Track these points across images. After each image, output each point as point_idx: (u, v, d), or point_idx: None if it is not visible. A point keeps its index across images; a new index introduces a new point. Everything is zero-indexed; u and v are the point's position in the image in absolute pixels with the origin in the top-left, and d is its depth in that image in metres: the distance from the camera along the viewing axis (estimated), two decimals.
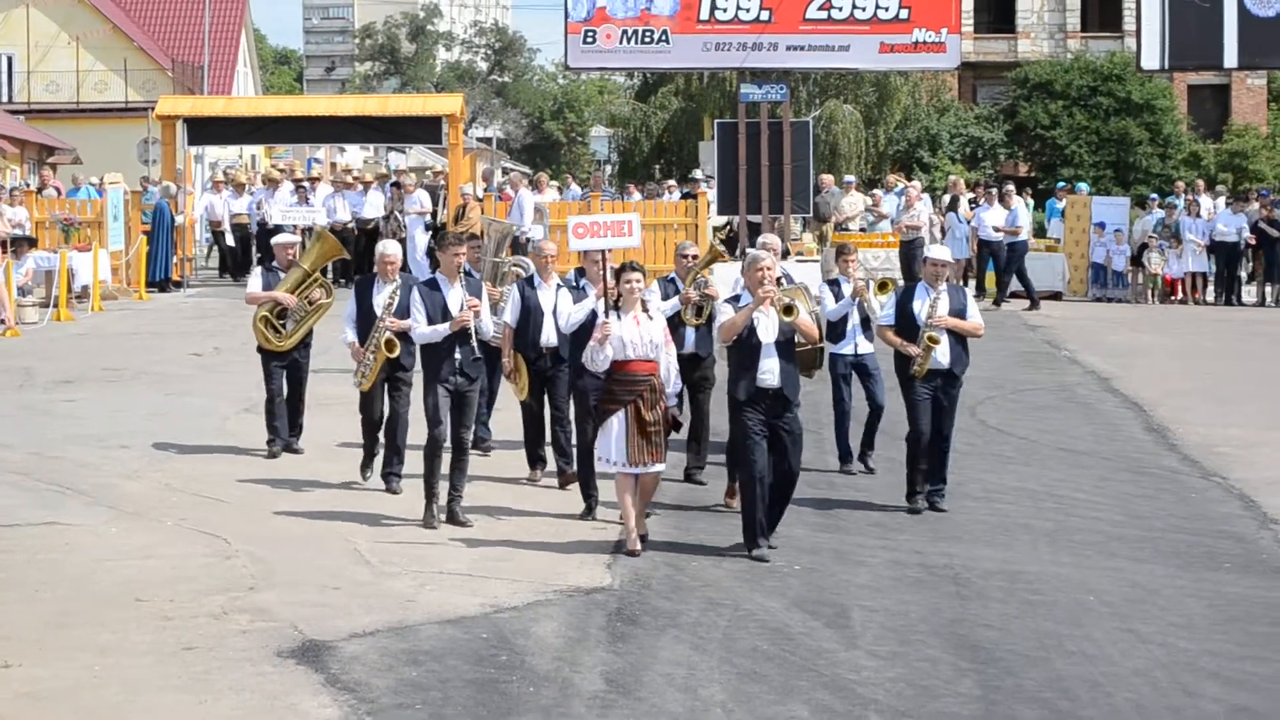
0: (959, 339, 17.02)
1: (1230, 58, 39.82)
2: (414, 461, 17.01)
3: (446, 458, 16.11)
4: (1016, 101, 63.87)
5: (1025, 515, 16.90)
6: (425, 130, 41.42)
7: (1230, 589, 14.47)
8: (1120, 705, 11.41)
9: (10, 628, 12.59)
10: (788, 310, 14.83)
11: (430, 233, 38.73)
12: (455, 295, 16.01)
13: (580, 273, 18.24)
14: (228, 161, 62.25)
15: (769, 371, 14.92)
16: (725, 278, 18.92)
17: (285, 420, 19.42)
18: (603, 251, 15.83)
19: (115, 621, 12.88)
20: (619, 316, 15.06)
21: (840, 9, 39.20)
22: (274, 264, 19.95)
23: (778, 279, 17.27)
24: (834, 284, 19.17)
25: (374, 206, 39.75)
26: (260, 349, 19.47)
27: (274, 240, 20.60)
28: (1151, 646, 12.83)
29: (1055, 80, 62.80)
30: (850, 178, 44.90)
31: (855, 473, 18.95)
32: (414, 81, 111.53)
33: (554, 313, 17.63)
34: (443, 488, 16.04)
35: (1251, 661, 12.48)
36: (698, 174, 44.79)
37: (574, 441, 17.47)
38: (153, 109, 44.73)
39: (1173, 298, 39.26)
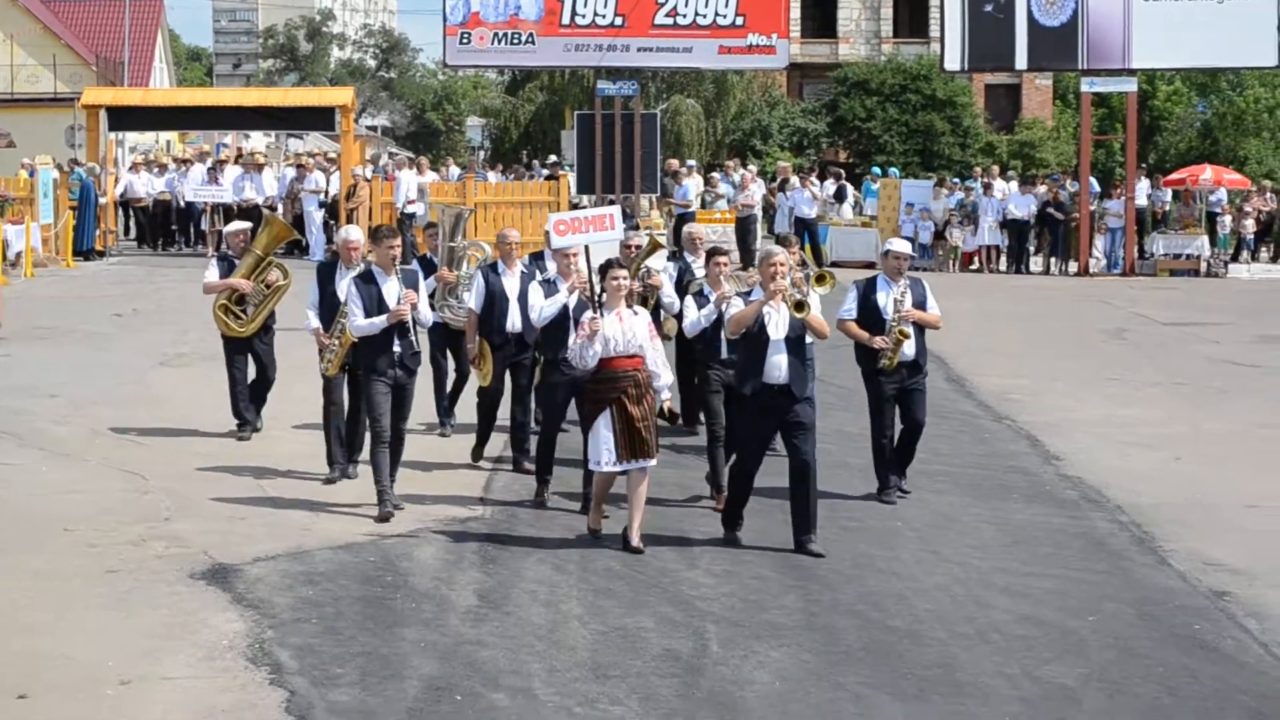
0: (919, 330, 15.27)
1: (1021, 61, 40.14)
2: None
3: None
4: (837, 97, 64.07)
5: (844, 454, 16.98)
6: (320, 119, 41.65)
7: (1018, 516, 14.68)
8: (922, 615, 11.55)
9: None
10: (799, 306, 13.02)
11: (323, 209, 38.60)
12: (391, 287, 14.13)
13: (536, 257, 17.13)
14: (145, 145, 61.57)
15: (777, 367, 13.15)
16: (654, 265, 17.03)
17: (250, 406, 17.65)
18: (585, 247, 14.14)
19: (47, 549, 12.79)
20: (602, 313, 13.34)
21: (684, 15, 39.24)
22: (228, 251, 17.94)
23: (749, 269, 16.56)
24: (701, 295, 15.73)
25: (270, 186, 39.50)
26: (223, 337, 17.63)
27: (225, 229, 18.67)
28: (950, 565, 13.00)
29: (871, 79, 63.06)
30: (692, 162, 45.10)
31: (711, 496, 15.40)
32: (311, 76, 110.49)
33: (519, 299, 15.82)
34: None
35: (1035, 577, 12.67)
36: (555, 158, 44.76)
37: (532, 428, 16.26)
38: (79, 99, 44.33)
39: (970, 267, 39.62)
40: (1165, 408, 20.43)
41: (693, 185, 40.48)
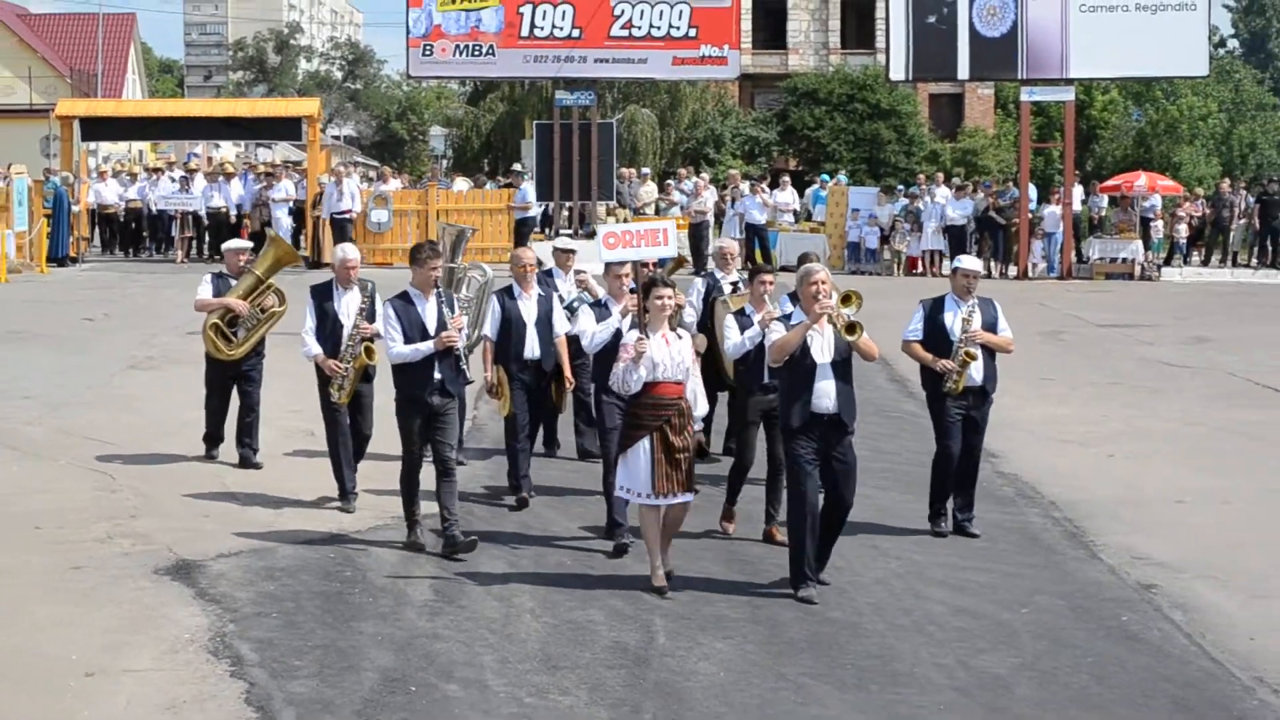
0: (990, 354, 13.90)
1: (963, 71, 40.27)
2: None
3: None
4: (787, 107, 64.13)
5: None
6: (288, 129, 41.64)
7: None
8: (861, 607, 11.59)
9: None
10: (850, 328, 11.70)
11: (291, 216, 38.54)
12: (431, 311, 12.88)
13: (549, 273, 16.06)
14: (118, 155, 61.34)
15: (825, 395, 11.77)
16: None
17: (225, 435, 16.27)
18: (634, 263, 12.93)
19: (15, 546, 12.77)
20: (648, 335, 12.02)
21: (639, 27, 39.27)
22: (224, 270, 16.40)
23: (735, 285, 15.62)
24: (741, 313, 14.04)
25: (238, 194, 39.50)
26: (208, 358, 16.16)
27: (225, 246, 16.93)
28: (889, 560, 13.05)
29: (819, 89, 63.13)
30: (646, 170, 45.27)
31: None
32: (279, 88, 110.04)
33: (537, 324, 14.71)
34: (423, 510, 13.21)
35: (971, 571, 12.73)
36: (517, 167, 44.75)
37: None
38: (53, 110, 44.14)
39: (915, 271, 39.69)
40: (1099, 407, 20.50)
41: (646, 192, 40.78)
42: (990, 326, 13.86)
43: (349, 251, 14.74)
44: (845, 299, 11.85)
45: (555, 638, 10.79)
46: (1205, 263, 41.81)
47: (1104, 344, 26.63)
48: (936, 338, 13.86)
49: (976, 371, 13.76)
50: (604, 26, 39.29)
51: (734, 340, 13.56)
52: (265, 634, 10.68)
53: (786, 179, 45.10)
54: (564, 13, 39.13)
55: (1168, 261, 40.84)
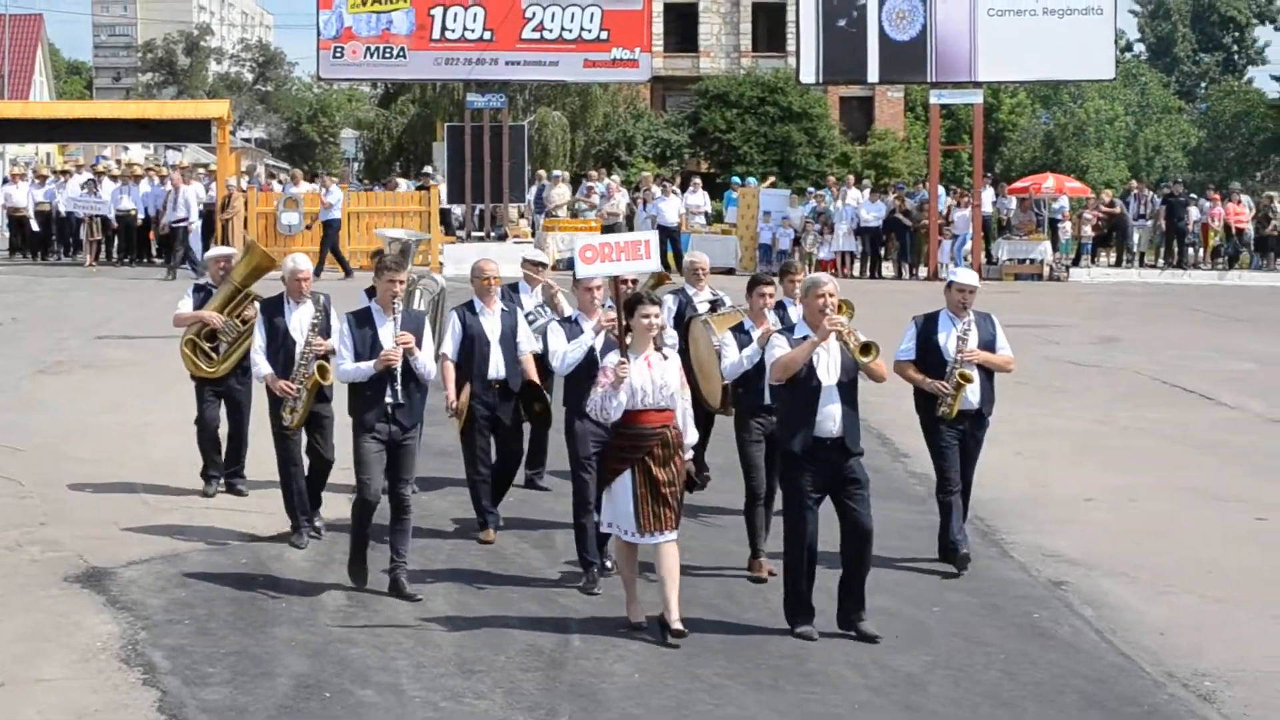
0: (987, 374, 12.89)
1: (873, 74, 40.46)
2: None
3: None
4: (699, 109, 64.27)
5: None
6: (197, 131, 41.16)
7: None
8: (776, 608, 11.56)
9: None
10: (865, 349, 10.83)
11: (200, 219, 38.23)
12: (389, 330, 11.78)
13: (513, 287, 14.80)
14: (25, 158, 60.74)
15: (830, 418, 10.85)
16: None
17: (218, 453, 15.01)
18: (614, 279, 11.66)
19: None
20: (629, 358, 10.97)
21: (551, 30, 39.31)
22: (206, 281, 15.11)
23: (716, 303, 14.62)
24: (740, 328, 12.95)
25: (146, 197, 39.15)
26: (192, 376, 14.94)
27: (206, 255, 15.63)
28: None
29: (731, 91, 63.29)
30: (558, 173, 45.28)
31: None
32: (189, 90, 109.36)
33: (500, 340, 13.55)
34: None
35: (883, 570, 12.68)
36: (429, 169, 44.68)
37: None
38: None
39: (827, 272, 39.86)
40: (1007, 406, 20.42)
41: (559, 194, 40.88)
42: (988, 345, 12.91)
43: (300, 262, 13.49)
44: (837, 308, 11.15)
45: (470, 641, 10.75)
46: (1116, 263, 42.23)
47: (1013, 344, 26.43)
48: (930, 358, 12.81)
49: (973, 394, 12.73)
50: (515, 29, 39.30)
51: (732, 359, 12.52)
52: (177, 641, 10.59)
53: (698, 181, 45.28)
54: (475, 15, 39.10)
55: (1075, 262, 41.21)
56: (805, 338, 11.01)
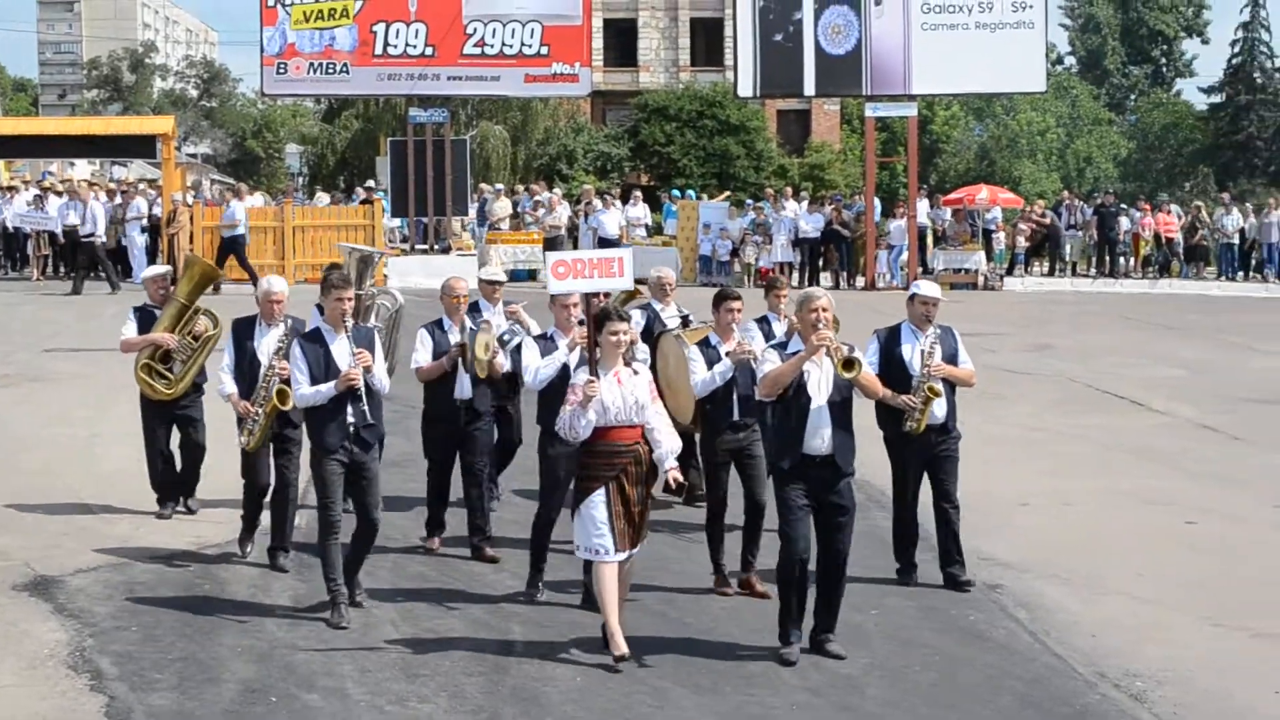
0: (950, 387, 12.69)
1: (809, 87, 40.58)
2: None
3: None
4: (638, 123, 64.47)
5: None
6: (143, 147, 40.80)
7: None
8: (717, 613, 11.66)
9: None
10: (848, 365, 10.51)
11: (146, 234, 38.09)
12: (342, 347, 11.40)
13: (475, 306, 14.09)
14: None
15: (818, 436, 10.61)
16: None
17: (171, 479, 14.49)
18: (585, 295, 11.22)
19: None
20: (599, 374, 10.69)
21: (492, 45, 39.24)
22: (146, 302, 14.56)
23: (686, 319, 14.37)
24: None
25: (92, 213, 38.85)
26: (141, 399, 14.38)
27: (143, 275, 15.31)
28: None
29: (670, 105, 63.53)
30: (500, 186, 45.32)
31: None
32: (134, 106, 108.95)
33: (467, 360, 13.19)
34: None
35: None
36: (372, 183, 44.66)
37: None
38: None
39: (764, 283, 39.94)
40: None
41: (501, 208, 40.98)
42: (950, 358, 12.68)
43: (274, 284, 13.06)
44: (830, 324, 10.78)
45: (415, 646, 10.76)
46: (1049, 273, 42.50)
47: None
48: (894, 372, 12.37)
49: (939, 408, 12.54)
50: (457, 45, 39.23)
51: (702, 376, 12.39)
52: (125, 648, 10.58)
53: (638, 194, 45.38)
54: (417, 31, 39.03)
55: (1009, 271, 41.46)
56: (798, 353, 10.80)
